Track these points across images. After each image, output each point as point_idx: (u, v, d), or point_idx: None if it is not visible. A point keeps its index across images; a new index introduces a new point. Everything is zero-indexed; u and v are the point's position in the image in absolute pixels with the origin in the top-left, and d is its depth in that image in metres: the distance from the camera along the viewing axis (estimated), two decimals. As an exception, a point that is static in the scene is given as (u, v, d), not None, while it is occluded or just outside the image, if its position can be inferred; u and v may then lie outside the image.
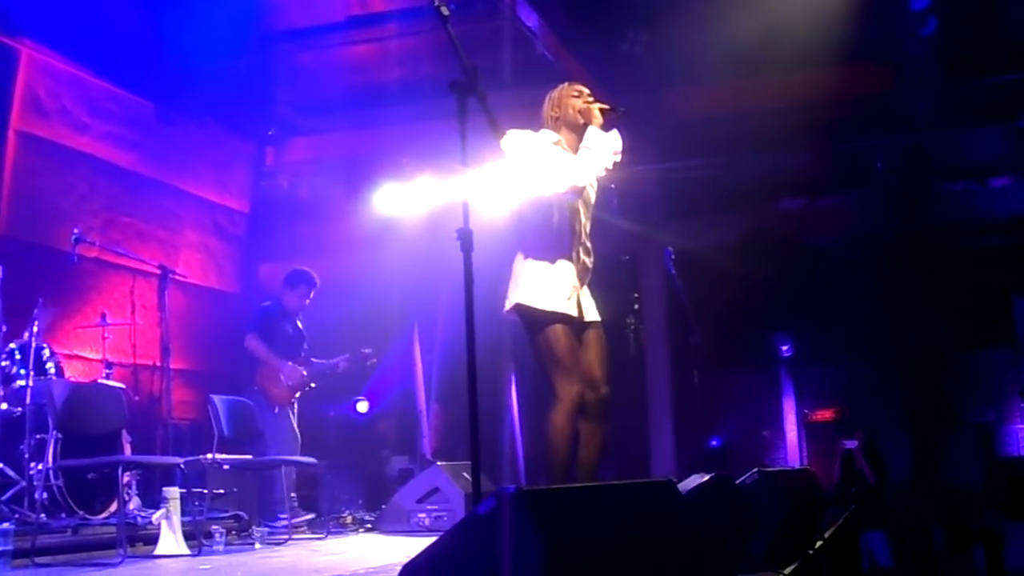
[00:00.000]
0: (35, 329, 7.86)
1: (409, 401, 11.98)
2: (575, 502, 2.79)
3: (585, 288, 5.75)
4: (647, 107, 11.26)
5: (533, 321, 5.53)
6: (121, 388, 8.42)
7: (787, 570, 4.50)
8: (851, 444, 11.41)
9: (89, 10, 9.22)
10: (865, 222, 11.58)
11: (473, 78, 4.46)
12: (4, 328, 7.81)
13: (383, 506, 9.49)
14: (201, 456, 8.27)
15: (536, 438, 10.35)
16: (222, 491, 8.91)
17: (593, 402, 5.56)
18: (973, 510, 10.04)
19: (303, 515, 9.27)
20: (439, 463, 9.37)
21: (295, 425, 9.41)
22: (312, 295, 9.71)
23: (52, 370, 8.22)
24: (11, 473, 7.46)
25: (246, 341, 9.45)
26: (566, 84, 5.92)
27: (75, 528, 7.29)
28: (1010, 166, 11.20)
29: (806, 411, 12.17)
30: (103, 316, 9.29)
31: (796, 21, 9.59)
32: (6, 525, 6.73)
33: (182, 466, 7.57)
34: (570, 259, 5.64)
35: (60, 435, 7.24)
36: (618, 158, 5.74)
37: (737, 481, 4.68)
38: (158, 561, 6.91)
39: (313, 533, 8.88)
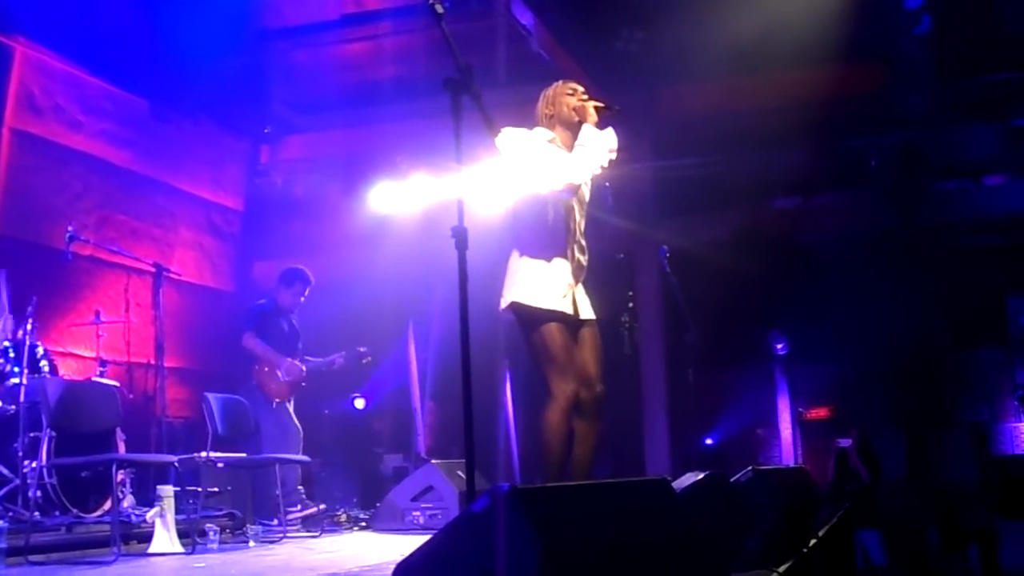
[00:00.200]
0: (29, 327, 7.84)
1: (404, 399, 11.98)
2: (570, 500, 2.79)
3: (580, 286, 5.75)
4: (642, 105, 11.26)
5: (529, 319, 5.53)
6: (115, 386, 8.40)
7: (781, 568, 4.50)
8: (845, 442, 11.44)
9: (84, 8, 9.21)
10: (859, 221, 11.60)
11: (468, 76, 4.46)
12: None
13: (378, 504, 9.48)
14: (195, 454, 8.27)
15: (531, 436, 10.36)
16: (216, 489, 8.90)
17: (588, 400, 5.56)
18: (967, 509, 10.06)
19: (311, 507, 9.30)
20: (434, 461, 9.37)
21: (295, 419, 9.42)
22: (307, 293, 9.71)
23: (46, 368, 8.21)
24: (5, 471, 7.45)
25: (243, 340, 9.44)
26: (560, 82, 5.91)
27: (69, 526, 7.27)
28: (1004, 165, 11.22)
29: (801, 409, 12.20)
30: (97, 314, 9.28)
31: (791, 20, 9.60)
32: (0, 523, 6.73)
33: (176, 464, 7.56)
34: (565, 257, 5.63)
35: (54, 433, 7.22)
36: (613, 156, 5.74)
37: (732, 479, 4.69)
38: (152, 559, 6.90)
39: (308, 531, 8.88)
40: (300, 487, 9.29)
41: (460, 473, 8.62)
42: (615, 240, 11.57)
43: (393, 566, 2.77)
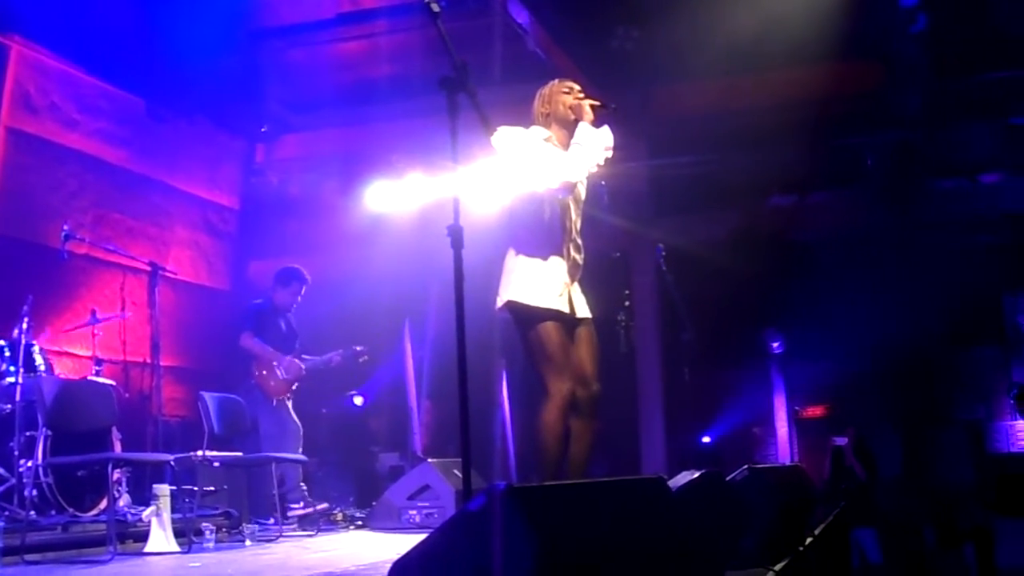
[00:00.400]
0: (24, 326, 7.84)
1: (400, 398, 11.97)
2: (566, 499, 2.80)
3: (576, 285, 5.75)
4: (638, 104, 11.29)
5: (525, 318, 5.53)
6: (111, 385, 8.40)
7: (777, 567, 4.51)
8: (841, 441, 11.45)
9: (80, 7, 9.20)
10: (855, 219, 11.60)
11: (463, 75, 4.46)
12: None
13: (374, 503, 9.49)
14: (191, 453, 8.27)
15: (527, 435, 10.36)
16: (212, 488, 8.89)
17: (584, 399, 5.56)
18: (963, 507, 10.06)
19: (315, 505, 9.32)
20: (430, 460, 9.37)
21: (294, 416, 9.43)
22: (303, 292, 9.71)
23: (42, 367, 8.20)
24: (1, 470, 7.44)
25: (241, 340, 9.45)
26: (557, 80, 5.91)
27: (65, 525, 7.26)
28: (1000, 163, 11.21)
29: (796, 408, 12.21)
30: (93, 313, 9.27)
31: (786, 18, 9.60)
32: (-4, 522, 6.74)
33: (172, 463, 7.55)
34: (561, 256, 5.64)
35: (50, 432, 7.22)
36: (609, 154, 5.74)
37: (727, 478, 4.69)
38: (148, 558, 6.90)
39: (304, 530, 8.88)
40: (303, 485, 9.31)
41: (456, 472, 8.63)
42: (611, 239, 11.57)
43: (389, 565, 2.77)
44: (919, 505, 10.38)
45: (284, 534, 8.35)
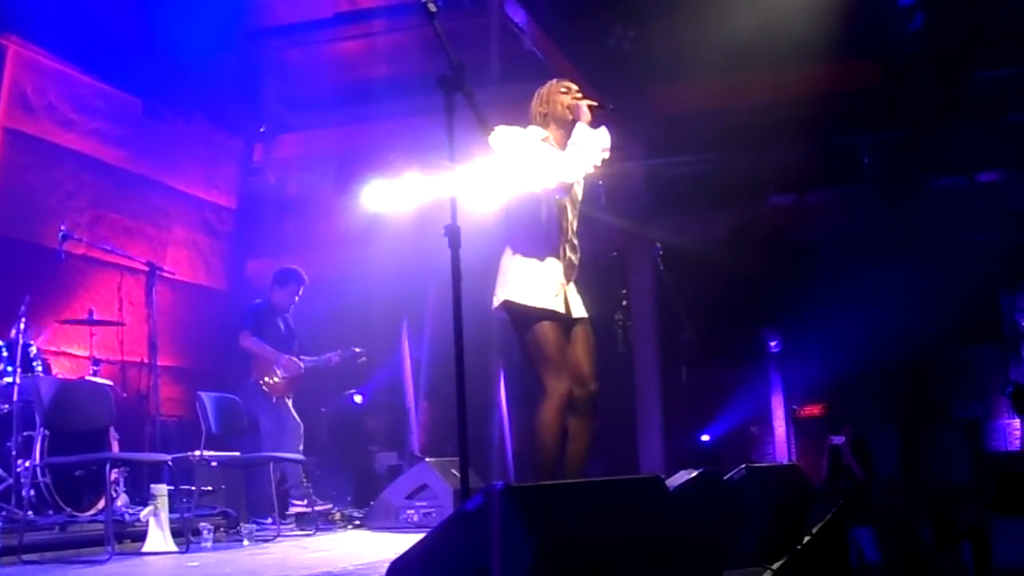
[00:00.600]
0: (22, 326, 7.83)
1: (398, 397, 11.97)
2: (563, 498, 2.79)
3: (572, 285, 5.76)
4: (635, 103, 11.28)
5: (521, 318, 5.53)
6: (109, 385, 8.40)
7: (775, 566, 4.50)
8: (839, 440, 11.46)
9: (76, 6, 9.20)
10: (853, 218, 11.60)
11: (460, 74, 4.46)
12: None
13: (372, 502, 9.49)
14: (189, 453, 8.27)
15: (525, 434, 10.36)
16: (210, 488, 8.90)
17: (582, 398, 5.56)
18: (961, 505, 10.07)
19: (320, 504, 9.34)
20: (428, 459, 9.38)
21: (295, 414, 9.43)
22: (301, 292, 9.72)
23: (39, 367, 8.20)
24: (-2, 470, 7.45)
25: (240, 339, 9.46)
26: (555, 80, 5.91)
27: (63, 525, 7.27)
28: (998, 161, 11.21)
29: (794, 407, 12.21)
30: (90, 313, 9.27)
31: (784, 17, 9.60)
32: (-7, 522, 6.74)
33: (170, 463, 7.55)
34: (558, 256, 5.64)
35: (47, 432, 7.22)
36: (606, 155, 5.74)
37: (725, 477, 4.69)
38: (146, 558, 6.91)
39: (302, 530, 8.88)
40: (306, 482, 9.32)
41: (454, 471, 8.63)
42: (609, 238, 11.56)
43: (387, 564, 2.77)
44: (917, 504, 10.39)
45: (282, 534, 8.35)
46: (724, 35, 9.83)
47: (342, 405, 11.35)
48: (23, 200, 9.60)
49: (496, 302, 5.61)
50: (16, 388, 7.52)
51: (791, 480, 5.81)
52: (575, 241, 5.80)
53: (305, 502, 9.17)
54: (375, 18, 10.41)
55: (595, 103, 5.72)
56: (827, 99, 10.62)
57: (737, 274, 11.20)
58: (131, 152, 10.77)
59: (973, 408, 11.85)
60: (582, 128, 5.65)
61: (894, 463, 11.43)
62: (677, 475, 4.24)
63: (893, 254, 11.01)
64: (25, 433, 7.42)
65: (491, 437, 11.65)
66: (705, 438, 12.12)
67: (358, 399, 11.39)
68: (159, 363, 8.91)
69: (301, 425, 9.42)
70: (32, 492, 7.14)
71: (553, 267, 5.60)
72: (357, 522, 9.46)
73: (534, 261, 5.57)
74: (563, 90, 5.81)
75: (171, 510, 7.38)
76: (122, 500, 8.00)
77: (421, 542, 2.72)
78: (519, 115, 5.82)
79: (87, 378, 8.75)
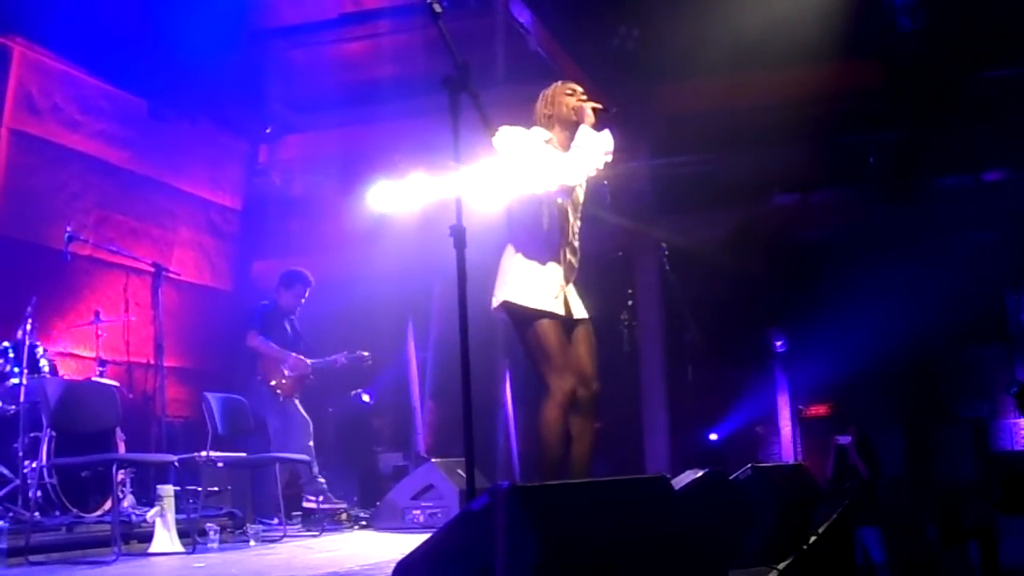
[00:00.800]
0: (28, 327, 7.84)
1: (403, 398, 11.98)
2: (569, 498, 2.80)
3: (571, 286, 5.76)
4: (640, 103, 11.28)
5: (522, 318, 5.54)
6: (115, 386, 8.40)
7: (781, 565, 4.50)
8: (845, 439, 11.44)
9: (82, 8, 9.20)
10: (858, 217, 11.59)
11: (466, 75, 4.46)
12: None
13: (378, 503, 9.49)
14: (195, 454, 8.27)
15: (530, 434, 10.37)
16: (216, 489, 8.90)
17: (585, 398, 5.56)
18: (967, 505, 10.07)
19: (336, 501, 9.36)
20: (433, 460, 9.37)
21: (303, 412, 9.45)
22: (307, 294, 9.73)
23: (46, 368, 8.21)
24: (5, 471, 7.45)
25: (248, 339, 9.47)
26: (560, 82, 5.92)
27: (69, 526, 7.27)
28: (1003, 161, 11.20)
29: (800, 407, 12.20)
30: (97, 314, 9.28)
31: (788, 17, 9.60)
32: (0, 523, 6.74)
33: (176, 464, 7.56)
34: (558, 259, 5.64)
35: (54, 433, 7.22)
36: (609, 158, 5.74)
37: (731, 477, 4.69)
38: (152, 559, 6.91)
39: (308, 530, 8.88)
40: (321, 479, 9.33)
41: (460, 471, 8.62)
42: (614, 238, 11.57)
43: (393, 565, 2.77)
44: (923, 503, 10.39)
45: (288, 534, 8.35)
46: (729, 35, 9.83)
47: (349, 405, 11.35)
48: (29, 201, 9.61)
49: (495, 302, 5.61)
50: (23, 389, 7.53)
51: (797, 480, 5.81)
52: (576, 244, 5.80)
53: (321, 498, 9.20)
54: (380, 19, 10.42)
55: (599, 106, 5.72)
56: (832, 99, 10.61)
57: (742, 274, 11.21)
58: (137, 153, 10.77)
59: (979, 408, 11.83)
60: (585, 130, 5.65)
61: (900, 463, 11.43)
62: (683, 475, 4.25)
63: (898, 254, 11.00)
64: (32, 434, 7.43)
65: (497, 437, 11.65)
66: (713, 436, 12.12)
67: (366, 398, 11.40)
68: (165, 364, 8.92)
69: (310, 422, 9.44)
70: (39, 493, 7.14)
71: (553, 269, 5.60)
72: (363, 523, 9.46)
73: (535, 263, 5.58)
74: (568, 92, 5.82)
75: (177, 511, 7.38)
76: (128, 501, 8.01)
77: (427, 542, 2.73)
78: (524, 115, 5.83)
79: (93, 379, 8.76)
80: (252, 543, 7.85)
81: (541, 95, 5.88)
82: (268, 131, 12.39)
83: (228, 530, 8.30)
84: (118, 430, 7.91)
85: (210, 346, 11.27)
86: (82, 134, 10.18)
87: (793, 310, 11.78)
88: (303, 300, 9.74)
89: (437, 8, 4.55)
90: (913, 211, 11.10)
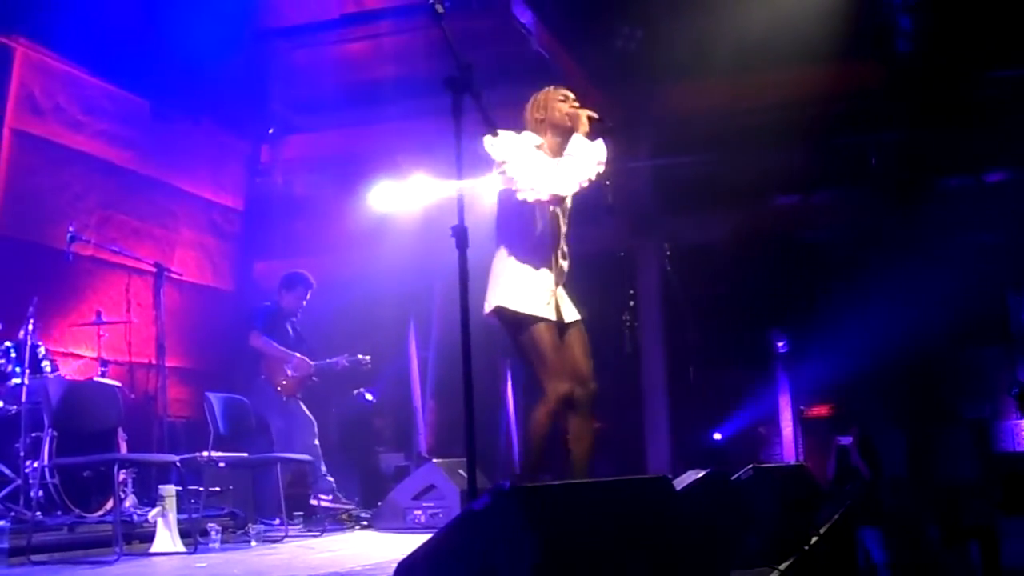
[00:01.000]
0: (30, 327, 7.85)
1: (405, 398, 11.99)
2: (571, 499, 2.80)
3: (561, 289, 5.75)
4: (642, 104, 11.28)
5: (515, 323, 5.52)
6: (117, 386, 8.41)
7: (782, 566, 4.50)
8: (846, 440, 11.44)
9: (84, 8, 9.20)
10: (859, 218, 11.58)
11: (468, 75, 4.46)
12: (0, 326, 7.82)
13: (379, 503, 9.50)
14: (197, 454, 8.28)
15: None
16: (218, 489, 8.91)
17: (582, 398, 5.56)
18: (968, 506, 10.05)
19: (345, 502, 9.38)
20: (435, 460, 9.38)
21: (307, 411, 9.45)
22: (309, 296, 9.74)
23: (48, 368, 8.22)
24: (7, 471, 7.46)
25: (251, 339, 9.48)
26: (552, 87, 5.88)
27: (71, 526, 7.28)
28: (1006, 162, 11.19)
29: (802, 407, 12.20)
30: (99, 314, 9.29)
31: (791, 18, 9.60)
32: (2, 523, 6.76)
33: (178, 464, 7.58)
34: (549, 265, 5.62)
35: (56, 433, 7.22)
36: (601, 168, 5.71)
37: (732, 477, 4.69)
38: (154, 559, 6.92)
39: (309, 530, 8.89)
40: (330, 478, 9.34)
41: (461, 472, 8.64)
42: (616, 238, 11.57)
43: (395, 565, 2.78)
44: (924, 504, 10.37)
45: (290, 534, 8.36)
46: (732, 36, 9.83)
47: (351, 405, 11.36)
48: (31, 202, 9.61)
49: (487, 307, 5.59)
50: (24, 389, 7.54)
51: (798, 480, 5.81)
52: (566, 248, 5.78)
53: (331, 497, 9.21)
54: (382, 19, 10.41)
55: (595, 115, 5.69)
56: (833, 100, 10.60)
57: (744, 274, 11.20)
58: (139, 154, 10.78)
59: (980, 408, 11.82)
60: (579, 139, 5.62)
61: (901, 463, 11.41)
62: (684, 475, 4.25)
63: (900, 255, 11.00)
64: (33, 434, 7.44)
65: (498, 437, 11.66)
66: (718, 435, 12.12)
67: (369, 397, 11.41)
68: (167, 364, 8.93)
69: (315, 422, 9.45)
70: (40, 493, 7.15)
71: (545, 275, 5.58)
72: (364, 523, 9.47)
73: (527, 268, 5.55)
74: (560, 98, 5.78)
75: (179, 511, 7.38)
76: (130, 501, 8.02)
77: (428, 542, 2.73)
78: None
79: (95, 379, 8.76)
80: (253, 543, 7.86)
81: (532, 99, 5.84)
82: (271, 131, 12.40)
83: (230, 530, 8.31)
84: (120, 430, 7.93)
85: (212, 346, 11.27)
86: (84, 134, 10.18)
87: (795, 311, 11.78)
88: (304, 302, 9.75)
89: (439, 9, 4.55)
90: (915, 212, 11.09)
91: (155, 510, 7.30)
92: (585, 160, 5.59)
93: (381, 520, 9.14)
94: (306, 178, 12.84)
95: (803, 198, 11.80)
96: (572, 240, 5.86)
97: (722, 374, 11.94)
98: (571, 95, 5.80)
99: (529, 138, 5.67)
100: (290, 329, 9.69)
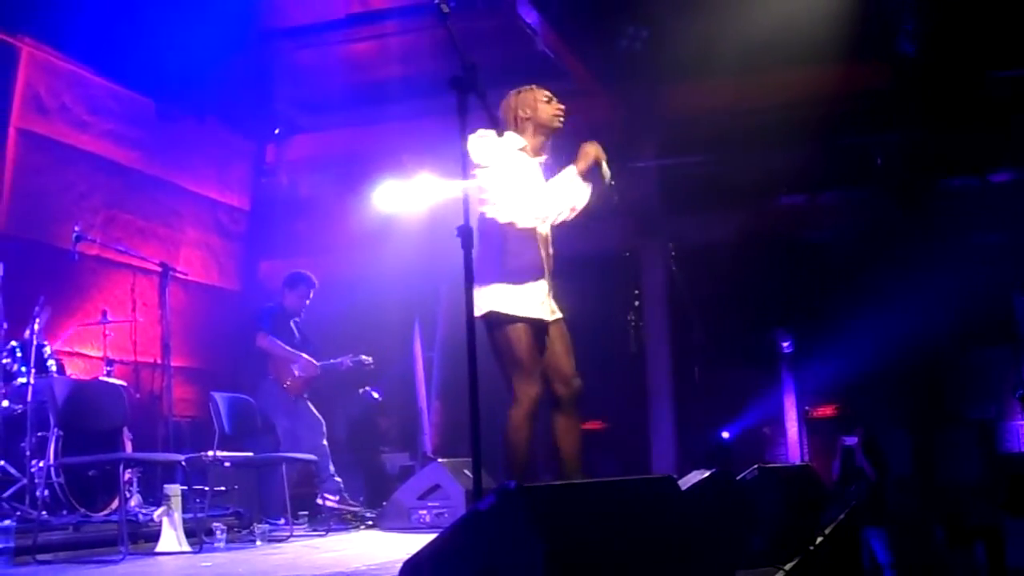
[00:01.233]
0: (36, 327, 7.86)
1: (410, 398, 11.99)
2: (576, 498, 2.80)
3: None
4: (647, 103, 11.28)
5: (497, 323, 5.47)
6: (122, 385, 8.43)
7: (787, 566, 4.50)
8: (851, 440, 11.43)
9: (90, 8, 9.21)
10: (865, 218, 11.57)
11: (473, 75, 4.46)
12: (5, 326, 7.82)
13: (384, 503, 9.50)
14: (202, 453, 8.29)
15: (537, 435, 10.36)
16: (223, 488, 8.92)
17: (566, 396, 5.55)
18: (973, 506, 10.05)
19: (352, 503, 9.39)
20: (440, 460, 9.38)
21: (314, 411, 9.46)
22: (312, 296, 9.74)
23: (53, 367, 8.23)
24: (12, 471, 7.46)
25: (258, 340, 9.49)
26: (533, 86, 5.81)
27: (77, 525, 7.28)
28: (1011, 162, 11.18)
29: (807, 407, 12.19)
30: (104, 314, 9.29)
31: (796, 18, 9.60)
32: (8, 522, 6.77)
33: (183, 463, 7.58)
34: (541, 266, 5.57)
35: (61, 432, 7.24)
36: (573, 215, 5.70)
37: (737, 477, 4.69)
38: (159, 558, 6.93)
39: (314, 530, 8.89)
40: (338, 479, 9.36)
41: (466, 471, 8.63)
42: (621, 238, 11.57)
43: (400, 565, 2.78)
44: (929, 504, 10.38)
45: (295, 534, 8.36)
46: (737, 36, 9.83)
47: (357, 404, 11.36)
48: (37, 201, 9.63)
49: (478, 312, 5.34)
50: (30, 388, 7.55)
51: (803, 481, 5.81)
52: (551, 248, 5.73)
53: (338, 497, 9.22)
54: (387, 19, 10.42)
55: (604, 159, 5.64)
56: (839, 100, 10.59)
57: (750, 274, 11.19)
58: (144, 153, 10.79)
59: (986, 409, 11.80)
60: (571, 174, 5.60)
61: (906, 464, 11.41)
62: (689, 475, 4.25)
63: (905, 255, 10.99)
64: (39, 433, 7.45)
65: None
66: (726, 434, 12.11)
67: (375, 395, 11.42)
68: (172, 364, 8.92)
69: (323, 421, 9.47)
70: (46, 492, 7.16)
71: (538, 275, 5.55)
72: (369, 523, 9.47)
73: (520, 271, 5.50)
74: (544, 99, 5.74)
75: (184, 510, 7.39)
76: (136, 500, 8.03)
77: (433, 542, 2.73)
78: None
79: (101, 378, 8.78)
80: (258, 543, 7.86)
81: (513, 96, 5.78)
82: (276, 131, 12.41)
83: (235, 530, 8.31)
84: (125, 429, 7.94)
85: (217, 346, 11.28)
86: (90, 134, 10.20)
87: (800, 311, 11.77)
88: (307, 301, 9.76)
89: (444, 9, 4.55)
90: (920, 212, 11.08)
91: (160, 509, 7.30)
92: (566, 196, 5.60)
93: (386, 520, 9.14)
94: (312, 178, 12.85)
95: (808, 198, 11.80)
96: (576, 241, 5.84)
97: (727, 374, 11.93)
98: (553, 97, 5.78)
99: (512, 141, 5.58)
100: (295, 329, 9.70)
